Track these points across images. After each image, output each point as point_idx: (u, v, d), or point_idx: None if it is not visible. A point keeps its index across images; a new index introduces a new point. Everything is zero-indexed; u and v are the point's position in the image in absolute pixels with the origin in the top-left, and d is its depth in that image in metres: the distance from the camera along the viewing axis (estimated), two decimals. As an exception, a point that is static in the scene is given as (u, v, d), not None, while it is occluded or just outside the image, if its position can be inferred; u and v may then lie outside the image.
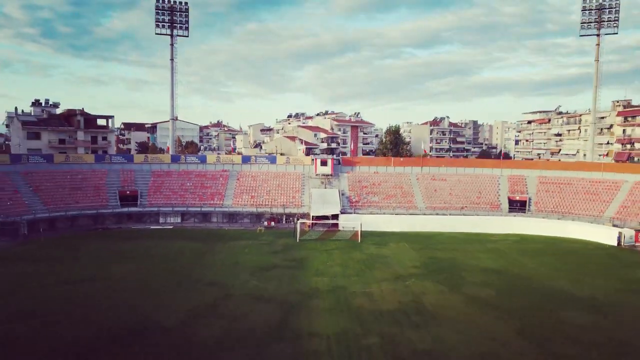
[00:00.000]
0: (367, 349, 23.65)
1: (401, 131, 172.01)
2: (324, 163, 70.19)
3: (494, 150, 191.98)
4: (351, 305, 30.19)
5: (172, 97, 76.04)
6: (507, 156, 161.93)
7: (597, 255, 46.61)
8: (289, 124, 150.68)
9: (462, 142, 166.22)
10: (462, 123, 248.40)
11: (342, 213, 60.20)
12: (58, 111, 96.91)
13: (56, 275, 36.47)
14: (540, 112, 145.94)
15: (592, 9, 71.17)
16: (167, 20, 72.24)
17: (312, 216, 59.56)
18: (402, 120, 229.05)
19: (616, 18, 70.24)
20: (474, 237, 54.08)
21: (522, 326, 27.06)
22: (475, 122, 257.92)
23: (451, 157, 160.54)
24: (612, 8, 70.09)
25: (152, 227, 59.33)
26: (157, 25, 72.26)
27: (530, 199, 65.04)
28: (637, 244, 50.97)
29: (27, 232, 52.60)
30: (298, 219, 56.08)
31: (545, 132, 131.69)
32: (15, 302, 30.00)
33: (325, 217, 59.07)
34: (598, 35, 72.17)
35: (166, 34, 72.84)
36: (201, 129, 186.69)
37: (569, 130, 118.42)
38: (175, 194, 65.52)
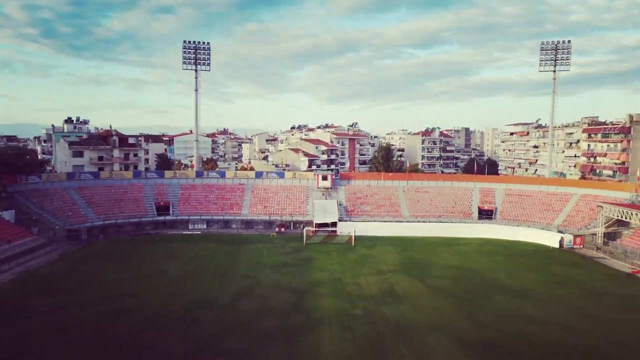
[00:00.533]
0: (353, 317, 36.10)
1: (397, 138, 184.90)
2: (324, 178, 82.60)
3: (482, 157, 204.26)
4: (344, 291, 42.63)
5: (197, 123, 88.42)
6: (493, 164, 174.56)
7: (539, 256, 59.04)
8: (292, 135, 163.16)
9: (452, 151, 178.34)
10: (454, 130, 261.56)
11: (339, 221, 72.57)
12: (87, 126, 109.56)
13: (127, 270, 48.89)
14: (521, 124, 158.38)
15: (548, 49, 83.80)
16: (192, 58, 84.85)
17: (315, 223, 71.97)
18: (399, 126, 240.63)
19: (568, 58, 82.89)
20: (446, 241, 66.50)
21: (460, 304, 39.50)
22: (467, 129, 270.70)
23: (441, 164, 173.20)
24: (565, 49, 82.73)
25: (183, 232, 71.76)
26: (184, 62, 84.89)
27: (496, 208, 77.51)
28: (575, 247, 63.38)
29: (86, 237, 65.12)
30: (304, 226, 68.58)
31: (524, 144, 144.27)
32: (111, 288, 42.42)
33: (326, 224, 71.53)
34: (554, 71, 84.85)
35: (191, 69, 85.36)
36: (208, 135, 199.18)
37: (544, 143, 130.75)
38: (201, 205, 77.96)
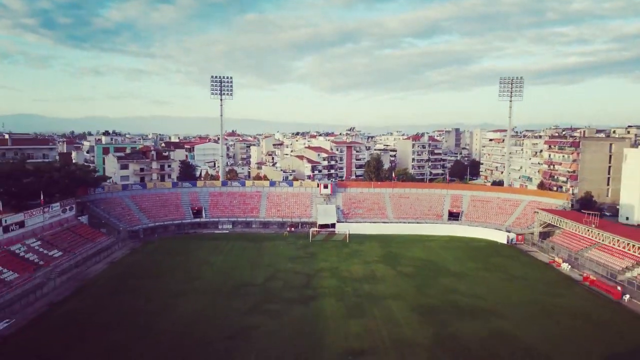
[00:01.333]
0: (345, 292, 54.76)
1: (392, 139, 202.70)
2: (325, 186, 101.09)
3: (468, 158, 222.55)
4: (340, 275, 61.29)
5: (222, 143, 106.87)
6: (477, 165, 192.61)
7: (486, 249, 77.65)
8: (297, 140, 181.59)
9: (439, 154, 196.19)
10: (445, 131, 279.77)
11: (337, 222, 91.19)
12: (121, 137, 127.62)
13: (185, 261, 67.56)
14: (499, 131, 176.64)
15: (506, 83, 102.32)
16: (217, 89, 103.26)
17: (318, 224, 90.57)
18: (399, 117, 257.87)
19: (521, 91, 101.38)
20: (420, 238, 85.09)
21: (416, 284, 58.16)
22: (457, 130, 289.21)
23: (430, 166, 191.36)
24: (519, 83, 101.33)
25: (214, 231, 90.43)
26: (212, 92, 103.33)
27: (462, 211, 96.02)
28: (517, 243, 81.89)
29: (142, 236, 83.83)
30: (310, 227, 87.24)
31: (500, 150, 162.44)
32: (178, 274, 61.06)
33: (327, 225, 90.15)
34: (510, 100, 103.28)
35: (217, 98, 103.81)
36: (217, 139, 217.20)
37: (516, 151, 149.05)
38: (227, 208, 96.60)
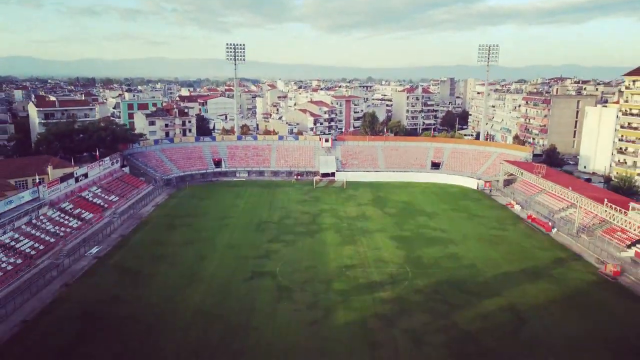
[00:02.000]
0: (342, 227, 71.61)
1: (389, 89, 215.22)
2: (326, 140, 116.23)
3: (459, 108, 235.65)
4: (337, 215, 77.99)
5: (235, 104, 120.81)
6: (466, 116, 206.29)
7: (458, 194, 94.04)
8: (300, 94, 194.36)
9: (432, 105, 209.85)
10: (440, 80, 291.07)
11: (336, 171, 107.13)
12: (141, 94, 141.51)
13: (215, 204, 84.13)
14: (488, 83, 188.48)
15: (484, 51, 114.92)
16: (232, 55, 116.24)
17: (320, 173, 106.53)
18: (400, 57, 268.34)
19: (496, 58, 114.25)
20: (405, 185, 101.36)
21: (396, 221, 74.91)
22: (452, 79, 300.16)
23: (423, 116, 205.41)
24: (495, 51, 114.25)
25: (233, 179, 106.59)
26: (227, 58, 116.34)
27: (443, 162, 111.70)
28: (485, 189, 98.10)
29: (175, 184, 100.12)
30: (314, 175, 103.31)
31: (485, 104, 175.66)
32: (214, 213, 77.75)
33: (328, 174, 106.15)
34: (487, 64, 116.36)
35: (232, 62, 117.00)
36: (225, 92, 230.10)
37: (499, 104, 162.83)
38: (242, 160, 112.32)
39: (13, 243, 55.32)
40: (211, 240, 65.19)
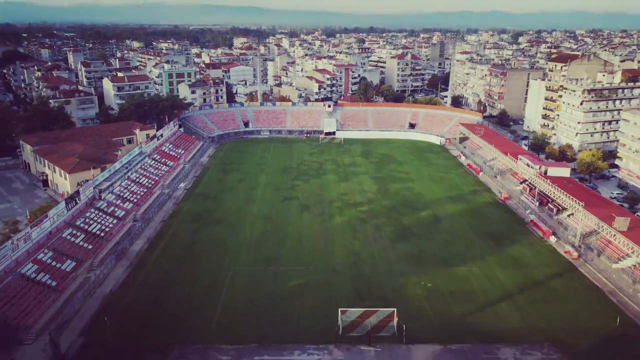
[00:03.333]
0: (339, 171, 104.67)
1: (385, 52, 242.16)
2: (329, 106, 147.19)
3: (443, 72, 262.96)
4: (336, 163, 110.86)
5: (259, 77, 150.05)
6: (448, 79, 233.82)
7: (425, 148, 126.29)
8: (306, 61, 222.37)
9: (420, 69, 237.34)
10: (432, 44, 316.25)
11: (337, 130, 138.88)
12: (178, 64, 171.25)
13: (251, 154, 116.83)
14: (465, 52, 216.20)
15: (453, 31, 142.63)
16: (256, 41, 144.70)
17: (324, 132, 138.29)
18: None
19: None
20: (387, 141, 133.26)
21: (376, 167, 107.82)
22: (442, 42, 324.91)
23: (412, 79, 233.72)
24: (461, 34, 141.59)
25: (258, 137, 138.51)
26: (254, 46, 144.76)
27: (417, 123, 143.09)
28: (446, 144, 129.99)
29: (217, 140, 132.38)
30: (320, 134, 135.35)
31: (462, 70, 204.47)
32: (250, 160, 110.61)
33: (330, 132, 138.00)
34: (454, 47, 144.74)
35: (256, 48, 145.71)
36: (239, 56, 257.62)
37: (472, 72, 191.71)
38: (265, 121, 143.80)
39: (139, 178, 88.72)
40: (254, 179, 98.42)
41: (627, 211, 74.52)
